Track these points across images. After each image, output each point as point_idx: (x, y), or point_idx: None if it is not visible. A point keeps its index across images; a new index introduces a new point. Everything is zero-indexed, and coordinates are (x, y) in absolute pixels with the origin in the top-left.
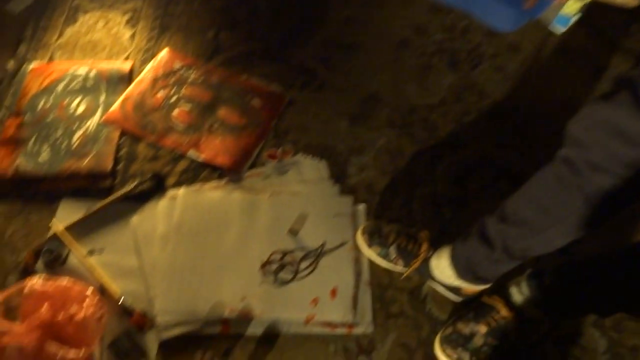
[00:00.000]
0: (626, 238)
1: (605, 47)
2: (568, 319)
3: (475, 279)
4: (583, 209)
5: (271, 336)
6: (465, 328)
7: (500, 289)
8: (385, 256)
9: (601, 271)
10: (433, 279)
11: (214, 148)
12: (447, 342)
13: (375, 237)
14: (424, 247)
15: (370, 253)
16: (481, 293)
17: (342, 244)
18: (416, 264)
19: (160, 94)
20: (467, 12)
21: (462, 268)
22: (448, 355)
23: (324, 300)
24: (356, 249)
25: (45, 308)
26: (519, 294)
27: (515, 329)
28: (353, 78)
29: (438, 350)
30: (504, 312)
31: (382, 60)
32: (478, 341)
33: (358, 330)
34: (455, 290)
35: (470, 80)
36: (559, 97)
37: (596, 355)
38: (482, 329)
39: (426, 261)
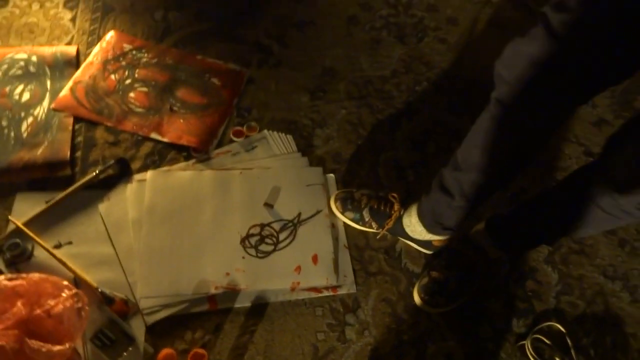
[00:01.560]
0: None
1: (531, 17)
2: (524, 254)
3: (442, 229)
4: (519, 144)
5: (260, 307)
6: (439, 275)
7: (465, 236)
8: (359, 220)
9: (543, 206)
10: (405, 236)
11: (177, 129)
12: (424, 291)
13: (347, 203)
14: (396, 206)
15: (344, 218)
16: (449, 243)
17: (317, 212)
18: (390, 223)
19: (113, 77)
20: None
21: (429, 221)
22: (426, 302)
23: (307, 267)
24: (331, 215)
25: (19, 305)
26: (482, 238)
27: (482, 271)
28: (308, 54)
29: (418, 299)
30: (471, 256)
31: (334, 35)
32: (451, 285)
33: (342, 291)
34: (426, 244)
35: (418, 52)
36: (491, 64)
37: (550, 287)
38: (454, 274)
39: (398, 220)
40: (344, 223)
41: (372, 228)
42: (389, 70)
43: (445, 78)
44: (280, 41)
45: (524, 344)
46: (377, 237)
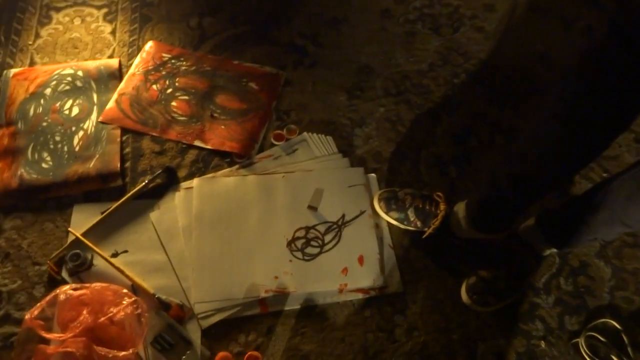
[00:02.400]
0: None
1: (572, 1)
2: (575, 249)
3: (489, 228)
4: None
5: (309, 309)
6: (487, 274)
7: (513, 233)
8: (404, 220)
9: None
10: (451, 234)
11: (219, 135)
12: (472, 290)
13: (391, 202)
14: (442, 206)
15: (389, 218)
16: (497, 240)
17: (361, 213)
18: (437, 222)
19: (155, 87)
20: None
21: (477, 219)
22: (475, 302)
23: (353, 268)
24: (375, 216)
25: (85, 314)
26: (532, 234)
27: (531, 269)
28: (343, 52)
29: (466, 299)
30: (520, 253)
31: (368, 31)
32: (500, 284)
33: (389, 291)
34: (473, 242)
35: (455, 43)
36: (536, 51)
37: (603, 283)
38: (503, 272)
39: (444, 219)
40: (388, 223)
41: (417, 227)
42: (426, 63)
43: (484, 68)
44: (314, 40)
45: (577, 342)
46: (423, 237)
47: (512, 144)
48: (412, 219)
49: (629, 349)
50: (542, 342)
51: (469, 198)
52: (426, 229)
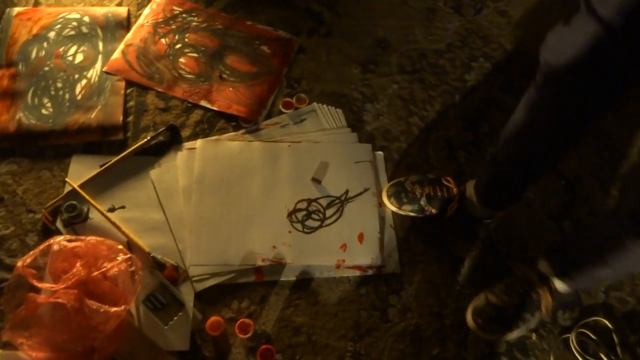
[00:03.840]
0: None
1: None
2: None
3: (500, 204)
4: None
5: (304, 281)
6: (497, 300)
7: (528, 261)
8: (419, 210)
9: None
10: (467, 215)
11: (227, 97)
12: (478, 314)
13: (402, 196)
14: (454, 189)
15: (404, 213)
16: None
17: (364, 190)
18: (454, 206)
19: (164, 41)
20: None
21: (486, 198)
22: (480, 327)
23: (352, 245)
24: (378, 195)
25: (78, 266)
26: (545, 265)
27: (547, 302)
28: (360, 23)
29: (471, 322)
30: (536, 284)
31: (388, 4)
32: (509, 313)
33: (387, 271)
34: (479, 220)
35: (475, 25)
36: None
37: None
38: (514, 301)
39: (459, 202)
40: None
41: (434, 215)
42: (444, 43)
43: (503, 54)
44: (331, 8)
45: (568, 337)
46: (443, 222)
47: (505, 126)
48: (426, 208)
49: (618, 349)
50: (534, 334)
51: (476, 180)
52: (443, 214)
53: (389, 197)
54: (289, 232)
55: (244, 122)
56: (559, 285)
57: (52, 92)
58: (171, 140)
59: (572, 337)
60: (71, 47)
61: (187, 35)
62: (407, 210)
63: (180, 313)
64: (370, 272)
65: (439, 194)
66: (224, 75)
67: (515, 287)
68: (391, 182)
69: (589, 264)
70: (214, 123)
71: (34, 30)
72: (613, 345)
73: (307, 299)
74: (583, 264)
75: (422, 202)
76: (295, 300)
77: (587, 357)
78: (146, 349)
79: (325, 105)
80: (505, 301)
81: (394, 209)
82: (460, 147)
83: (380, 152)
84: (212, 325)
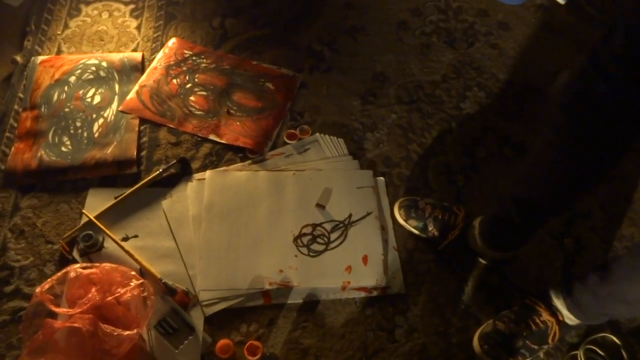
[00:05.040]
0: None
1: (585, 22)
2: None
3: (499, 246)
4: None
5: (311, 304)
6: (505, 328)
7: (540, 294)
8: (422, 229)
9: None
10: (467, 248)
11: (234, 131)
12: (485, 340)
13: (411, 211)
14: (460, 217)
15: (408, 226)
16: (523, 297)
17: (367, 214)
18: (454, 235)
19: (175, 82)
20: None
21: (487, 236)
22: (486, 353)
23: (357, 267)
24: (381, 218)
25: (93, 292)
26: (556, 298)
27: (555, 333)
28: (359, 59)
29: (477, 347)
30: (545, 315)
31: (384, 41)
32: (517, 342)
33: (391, 292)
34: (483, 255)
35: (468, 57)
36: (548, 71)
37: None
38: (522, 330)
39: (462, 231)
40: (394, 227)
41: (435, 237)
42: (439, 75)
43: (496, 83)
44: (331, 47)
45: (576, 354)
46: (439, 248)
47: (515, 166)
48: (430, 229)
49: None
50: (541, 351)
51: (483, 215)
52: (443, 240)
53: (399, 208)
54: (295, 256)
55: (251, 153)
56: (569, 318)
57: (72, 131)
58: (182, 172)
59: (580, 354)
60: (90, 89)
61: (197, 75)
62: (412, 226)
63: (190, 337)
64: (375, 293)
65: (446, 219)
66: (232, 111)
67: (524, 316)
68: (407, 197)
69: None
70: (222, 155)
71: (56, 76)
72: None
73: (315, 321)
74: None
75: (427, 222)
76: (302, 322)
77: None
78: None
79: (327, 135)
80: (512, 329)
81: (400, 220)
82: (459, 172)
83: (382, 178)
84: (221, 348)
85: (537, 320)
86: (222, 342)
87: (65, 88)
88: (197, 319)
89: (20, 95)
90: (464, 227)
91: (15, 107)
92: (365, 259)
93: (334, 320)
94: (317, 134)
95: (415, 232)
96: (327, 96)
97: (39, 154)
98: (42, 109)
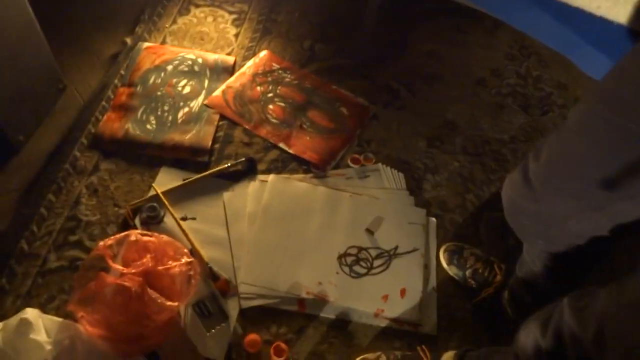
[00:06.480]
0: None
1: None
2: None
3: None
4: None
5: (343, 322)
6: None
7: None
8: (460, 277)
9: None
10: (501, 308)
11: (303, 144)
12: None
13: (454, 257)
14: (498, 277)
15: (448, 271)
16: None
17: (413, 250)
18: (489, 291)
19: (259, 89)
20: (564, 53)
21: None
22: None
23: (394, 298)
24: (426, 256)
25: (148, 258)
26: None
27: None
28: (432, 104)
29: None
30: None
31: (460, 93)
32: None
33: (423, 331)
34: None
35: (540, 124)
36: None
37: None
38: None
39: (497, 289)
40: (437, 268)
41: (473, 289)
42: (508, 135)
43: None
44: (408, 88)
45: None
46: (473, 302)
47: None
48: (468, 279)
49: None
50: None
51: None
52: (478, 293)
53: (445, 251)
54: (337, 272)
55: (314, 168)
56: None
57: (159, 113)
58: (247, 171)
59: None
60: (182, 79)
61: (279, 87)
62: (452, 272)
63: (223, 324)
64: (406, 327)
65: (486, 274)
66: (304, 125)
67: None
68: (455, 242)
69: None
70: (287, 163)
71: (156, 62)
72: None
73: (343, 339)
74: None
75: (467, 272)
76: (331, 337)
77: None
78: (186, 350)
79: (389, 167)
80: None
81: (443, 263)
82: (512, 232)
83: (434, 219)
84: (250, 342)
85: None
86: (252, 336)
87: (162, 74)
88: (232, 308)
89: (122, 72)
90: (499, 287)
91: (116, 81)
92: (403, 292)
93: (361, 343)
94: (380, 164)
95: (455, 277)
96: (395, 132)
97: (126, 126)
98: (138, 88)
